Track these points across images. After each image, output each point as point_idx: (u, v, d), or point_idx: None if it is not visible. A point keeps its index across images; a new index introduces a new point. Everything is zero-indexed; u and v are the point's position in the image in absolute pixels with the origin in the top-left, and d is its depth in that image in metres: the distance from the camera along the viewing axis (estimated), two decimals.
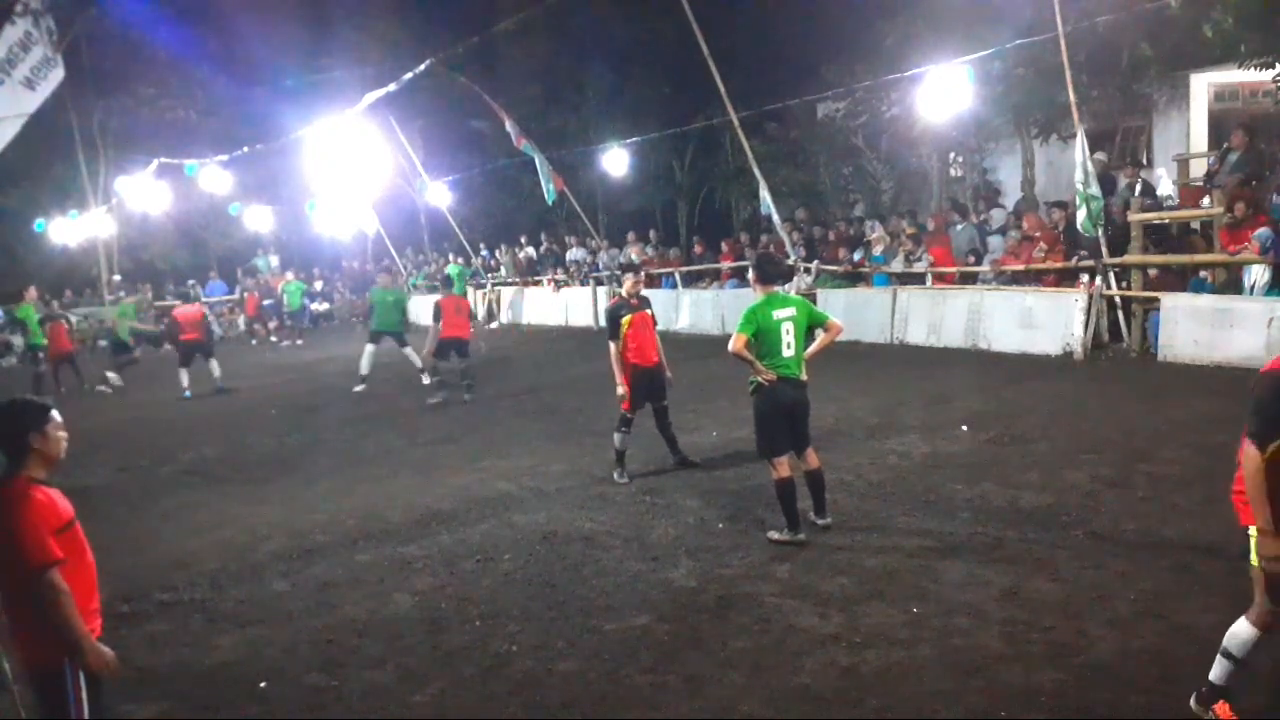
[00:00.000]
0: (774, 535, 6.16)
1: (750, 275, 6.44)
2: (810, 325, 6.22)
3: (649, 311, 8.03)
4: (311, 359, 16.97)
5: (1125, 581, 5.02)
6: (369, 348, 14.13)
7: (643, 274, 8.21)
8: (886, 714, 3.98)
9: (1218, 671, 3.70)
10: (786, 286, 16.03)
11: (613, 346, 7.91)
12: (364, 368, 13.98)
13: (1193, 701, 3.78)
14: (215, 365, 15.47)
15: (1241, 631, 3.65)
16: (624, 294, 8.04)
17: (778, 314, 6.03)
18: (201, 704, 4.62)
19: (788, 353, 6.03)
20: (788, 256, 16.61)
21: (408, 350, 14.04)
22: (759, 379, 6.03)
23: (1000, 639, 4.51)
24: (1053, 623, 4.62)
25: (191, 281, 25.22)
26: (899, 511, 6.50)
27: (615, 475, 7.93)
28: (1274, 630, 3.60)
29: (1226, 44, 12.96)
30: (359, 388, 13.80)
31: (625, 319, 7.86)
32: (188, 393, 14.89)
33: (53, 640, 3.23)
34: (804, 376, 6.14)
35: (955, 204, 16.74)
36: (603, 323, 20.98)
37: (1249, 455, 3.50)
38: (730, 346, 6.07)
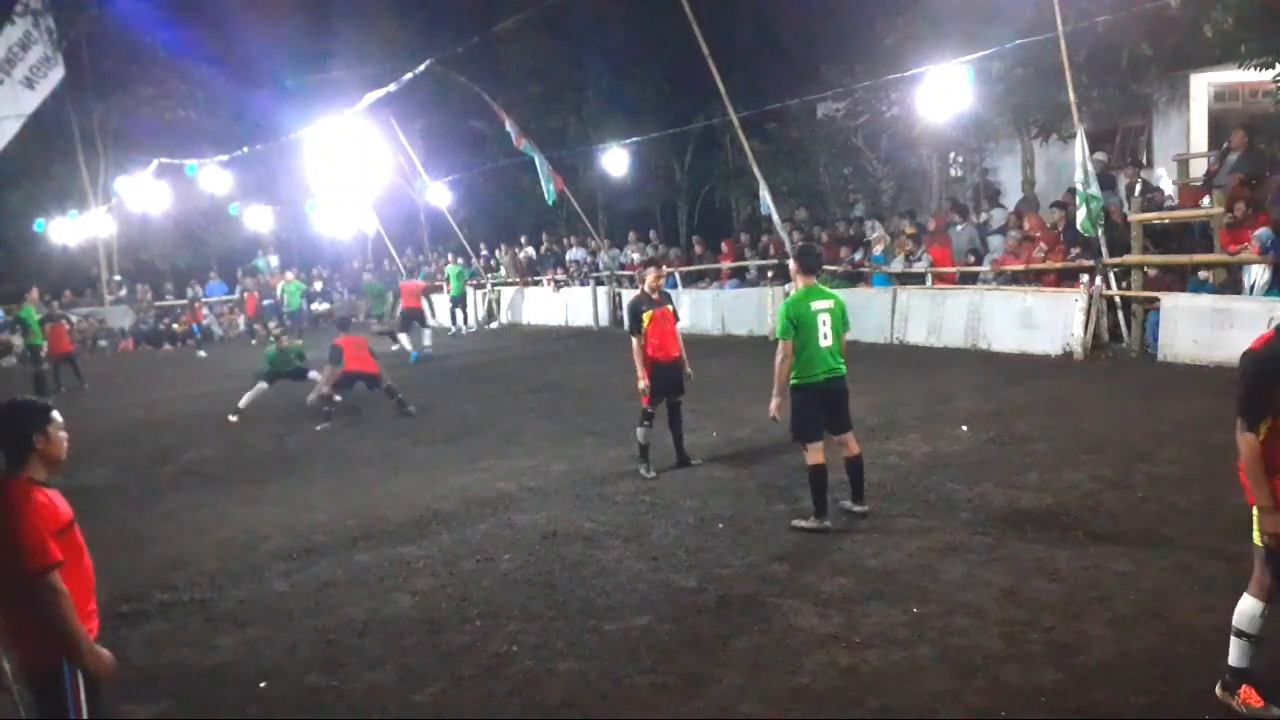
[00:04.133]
0: (799, 523, 6.23)
1: (791, 266, 6.64)
2: (842, 323, 6.34)
3: (670, 307, 8.12)
4: (312, 359, 16.91)
5: (1125, 581, 5.02)
6: (263, 385, 12.86)
7: (664, 269, 8.29)
8: (886, 714, 3.98)
9: (1235, 654, 3.75)
10: (787, 286, 16.17)
11: (634, 342, 7.96)
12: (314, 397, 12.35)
13: (1218, 689, 3.81)
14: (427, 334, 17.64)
15: (1247, 607, 3.72)
16: (646, 289, 8.08)
17: (815, 305, 6.16)
18: (201, 704, 4.61)
19: (825, 343, 6.13)
20: (788, 256, 16.63)
21: (314, 374, 12.89)
22: (774, 404, 6.16)
23: (1000, 639, 4.50)
24: (1053, 623, 4.62)
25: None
26: (899, 511, 6.50)
27: (642, 470, 7.96)
28: (1276, 600, 3.67)
29: (1226, 44, 12.92)
30: (322, 425, 11.55)
31: (647, 314, 7.92)
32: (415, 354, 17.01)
33: (51, 641, 3.22)
34: (842, 368, 6.27)
35: (955, 204, 16.74)
36: (603, 323, 21.10)
37: (1243, 438, 3.60)
38: (777, 358, 6.17)
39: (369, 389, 12.16)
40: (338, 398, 11.95)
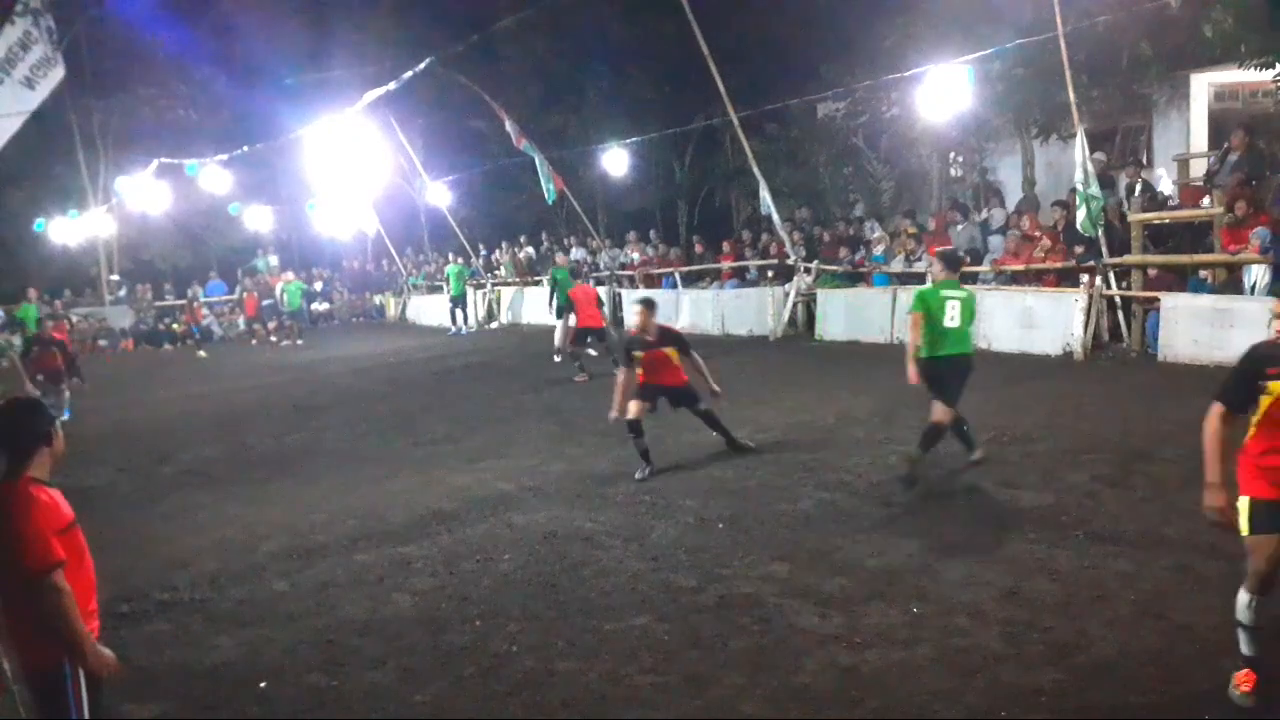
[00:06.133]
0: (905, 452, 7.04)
1: (934, 267, 7.52)
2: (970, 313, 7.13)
3: (667, 350, 8.01)
4: (311, 359, 16.97)
5: (1125, 581, 5.02)
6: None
7: (654, 309, 8.17)
8: (886, 714, 3.98)
9: (1241, 644, 3.87)
10: (787, 286, 16.17)
11: (621, 373, 8.06)
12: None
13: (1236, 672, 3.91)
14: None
15: (1240, 599, 3.84)
16: (636, 328, 8.10)
17: (946, 294, 7.01)
18: (201, 704, 4.61)
19: (950, 323, 6.94)
20: (788, 256, 16.63)
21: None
22: (910, 371, 7.02)
23: (1000, 639, 4.51)
24: (1053, 623, 4.62)
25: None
26: (899, 511, 6.50)
27: (638, 474, 7.91)
28: (1267, 594, 3.77)
29: (1226, 44, 12.94)
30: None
31: (638, 355, 7.99)
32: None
33: (53, 641, 3.22)
34: (969, 349, 7.12)
35: (955, 204, 16.73)
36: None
37: (1210, 411, 3.81)
38: (909, 332, 7.13)
39: (597, 342, 13.50)
40: (592, 352, 13.28)
